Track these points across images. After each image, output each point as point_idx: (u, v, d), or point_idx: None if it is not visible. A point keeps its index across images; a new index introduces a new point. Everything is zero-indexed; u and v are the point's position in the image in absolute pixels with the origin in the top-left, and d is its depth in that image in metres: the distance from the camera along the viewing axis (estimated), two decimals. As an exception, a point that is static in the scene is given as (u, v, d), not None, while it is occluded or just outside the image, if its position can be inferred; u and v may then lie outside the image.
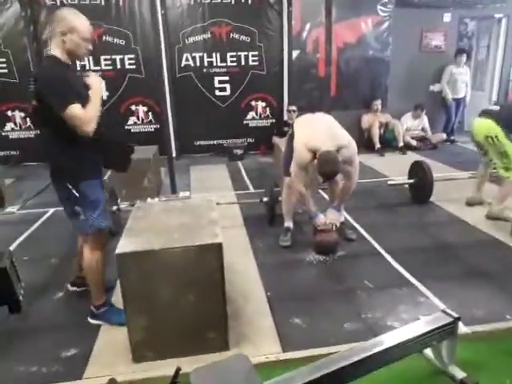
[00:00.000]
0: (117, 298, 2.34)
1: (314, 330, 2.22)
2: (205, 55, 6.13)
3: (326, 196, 4.04)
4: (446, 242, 3.22)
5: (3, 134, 6.10)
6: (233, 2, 5.99)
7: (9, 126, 6.08)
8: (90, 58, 5.79)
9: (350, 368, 1.57)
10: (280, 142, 4.51)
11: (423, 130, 6.55)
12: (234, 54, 6.18)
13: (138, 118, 6.28)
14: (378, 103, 6.40)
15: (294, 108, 6.08)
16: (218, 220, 2.18)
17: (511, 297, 2.45)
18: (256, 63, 6.25)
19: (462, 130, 7.20)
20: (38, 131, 2.30)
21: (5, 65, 5.79)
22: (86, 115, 1.95)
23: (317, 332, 2.20)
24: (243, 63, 6.23)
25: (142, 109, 6.24)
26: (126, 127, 6.25)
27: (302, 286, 2.70)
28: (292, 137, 3.07)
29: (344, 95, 6.50)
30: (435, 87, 6.77)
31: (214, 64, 6.18)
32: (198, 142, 6.53)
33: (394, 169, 5.10)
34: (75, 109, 1.92)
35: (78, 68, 5.62)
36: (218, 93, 6.31)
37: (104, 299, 2.31)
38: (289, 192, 3.21)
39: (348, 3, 6.12)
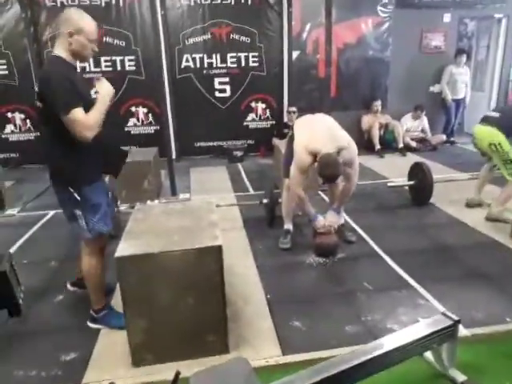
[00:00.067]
0: (116, 301, 2.33)
1: (314, 332, 2.22)
2: (205, 56, 6.13)
3: (325, 198, 4.04)
4: (445, 243, 3.22)
5: (3, 136, 6.10)
6: (233, 3, 5.99)
7: (9, 128, 6.08)
8: (90, 59, 5.79)
9: (350, 371, 1.57)
10: (280, 144, 4.50)
11: (423, 131, 6.54)
12: (234, 54, 6.18)
13: (138, 120, 6.28)
14: (377, 104, 6.40)
15: (294, 109, 6.07)
16: (217, 222, 2.18)
17: (511, 299, 2.44)
18: (256, 64, 6.25)
19: (461, 132, 7.20)
20: (42, 133, 2.26)
21: (5, 66, 5.80)
22: (87, 121, 1.92)
23: (317, 335, 2.20)
24: (243, 64, 6.23)
25: (141, 110, 6.24)
26: (126, 129, 6.25)
27: (301, 288, 2.70)
28: (292, 138, 3.06)
29: (344, 96, 6.50)
30: (435, 88, 6.77)
31: (214, 65, 6.19)
32: (198, 144, 6.53)
33: (394, 170, 5.10)
34: (78, 113, 1.88)
35: (78, 70, 5.62)
36: (217, 94, 6.31)
37: (103, 303, 2.30)
38: (289, 194, 3.21)
39: (348, 4, 6.12)
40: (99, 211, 2.14)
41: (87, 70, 5.80)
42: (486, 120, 3.57)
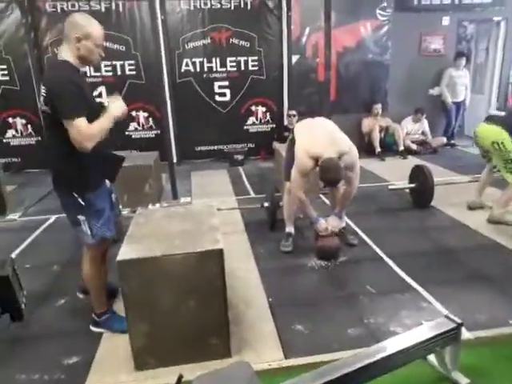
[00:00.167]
0: (119, 305, 2.33)
1: (316, 336, 2.22)
2: (205, 60, 6.15)
3: (326, 201, 4.04)
4: (447, 246, 3.22)
5: (4, 140, 6.11)
6: (232, 8, 6.03)
7: (10, 132, 6.09)
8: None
9: (353, 375, 1.56)
10: (280, 148, 4.51)
11: (423, 133, 6.55)
12: (234, 59, 6.20)
13: (139, 124, 6.29)
14: (378, 107, 6.41)
15: (293, 112, 6.09)
16: (218, 226, 2.18)
17: (514, 301, 2.44)
18: (256, 68, 6.28)
19: (462, 134, 7.21)
20: (45, 137, 2.24)
21: (6, 72, 5.81)
22: (88, 131, 1.89)
23: (319, 338, 2.19)
24: (243, 68, 6.25)
25: (142, 114, 6.26)
26: (127, 133, 6.26)
27: (303, 291, 2.69)
28: (292, 142, 3.07)
29: (344, 99, 6.52)
30: (434, 91, 6.78)
31: (214, 69, 6.21)
32: (199, 148, 6.55)
33: (395, 173, 5.10)
34: (81, 122, 1.87)
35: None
36: (218, 98, 6.33)
37: (106, 307, 2.30)
38: (290, 197, 3.21)
39: (347, 8, 6.14)
40: (102, 216, 2.14)
41: (88, 74, 5.81)
42: (490, 119, 3.59)
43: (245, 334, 2.23)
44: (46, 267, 3.13)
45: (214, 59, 6.17)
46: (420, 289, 2.61)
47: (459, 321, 1.79)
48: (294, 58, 6.27)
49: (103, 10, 5.77)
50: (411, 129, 6.51)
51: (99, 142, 1.98)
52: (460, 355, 1.82)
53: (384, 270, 2.89)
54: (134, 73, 6.04)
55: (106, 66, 5.92)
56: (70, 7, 5.69)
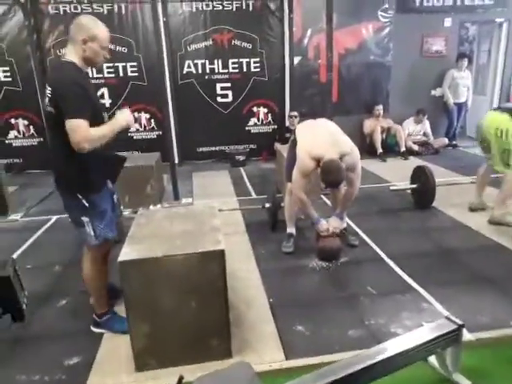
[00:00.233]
0: (121, 306, 2.33)
1: (318, 337, 2.21)
2: (207, 62, 6.17)
3: (328, 202, 4.04)
4: (449, 247, 3.21)
5: (6, 141, 6.14)
6: (234, 9, 6.04)
7: (12, 133, 6.12)
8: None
9: (354, 376, 1.56)
10: (282, 149, 4.51)
11: (425, 134, 6.55)
12: (236, 60, 6.21)
13: (141, 125, 6.31)
14: (379, 108, 6.41)
15: (295, 113, 6.10)
16: (220, 226, 2.18)
17: (516, 303, 2.43)
18: (258, 69, 6.29)
19: (464, 135, 7.21)
20: (49, 138, 2.23)
21: (9, 73, 5.84)
22: (88, 133, 1.89)
23: (320, 339, 2.19)
24: (245, 70, 6.26)
25: (144, 116, 6.27)
26: (129, 134, 6.27)
27: (304, 292, 2.69)
28: (294, 143, 3.07)
29: (346, 101, 6.52)
30: (436, 92, 6.78)
31: (216, 71, 6.22)
32: (201, 149, 6.56)
33: (396, 174, 5.10)
34: (82, 123, 1.87)
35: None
36: (219, 99, 6.34)
37: (106, 308, 2.31)
38: (291, 198, 3.21)
39: (349, 9, 6.15)
40: (106, 217, 2.15)
41: (90, 76, 5.83)
42: (499, 108, 3.63)
43: (246, 335, 2.23)
44: (47, 268, 3.13)
45: (215, 61, 6.18)
46: (421, 290, 2.60)
47: (460, 322, 1.78)
48: (296, 60, 6.28)
49: (105, 12, 5.79)
50: (413, 130, 6.51)
51: (104, 144, 1.98)
52: (461, 357, 1.82)
53: (385, 271, 2.89)
54: (136, 74, 6.05)
55: (108, 67, 5.93)
56: (72, 9, 5.71)
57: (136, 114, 6.22)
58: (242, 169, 6.07)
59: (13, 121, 6.07)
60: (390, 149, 6.33)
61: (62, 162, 2.06)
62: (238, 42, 6.16)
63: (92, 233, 2.12)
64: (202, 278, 1.92)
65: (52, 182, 2.14)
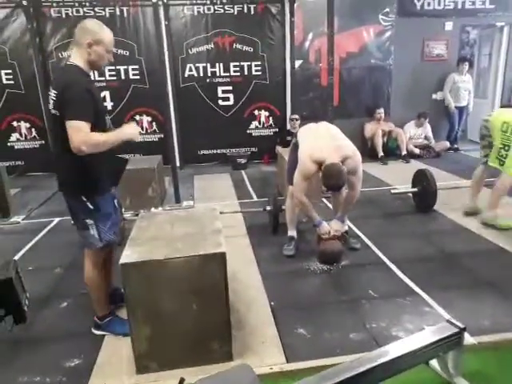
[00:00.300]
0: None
1: (319, 340, 2.21)
2: (208, 65, 6.20)
3: (329, 204, 4.04)
4: (450, 250, 3.20)
5: (9, 144, 6.16)
6: (236, 13, 6.07)
7: (14, 136, 6.15)
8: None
9: (355, 379, 1.56)
10: (283, 152, 4.52)
11: (426, 138, 6.56)
12: (237, 63, 6.24)
13: (142, 128, 6.32)
14: (380, 112, 6.43)
15: (296, 116, 6.11)
16: (221, 229, 2.18)
17: (517, 306, 2.43)
18: (259, 73, 6.31)
19: (465, 139, 7.21)
20: (53, 141, 2.23)
21: (11, 76, 5.87)
22: (88, 136, 1.88)
23: (321, 342, 2.19)
24: (246, 73, 6.29)
25: (146, 119, 6.30)
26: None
27: (305, 295, 2.69)
28: (296, 146, 3.08)
29: (347, 104, 6.54)
30: (437, 95, 6.80)
31: (218, 74, 6.25)
32: (202, 152, 6.58)
33: (398, 177, 5.10)
34: (84, 125, 1.87)
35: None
36: (221, 102, 6.36)
37: (108, 310, 2.31)
38: (292, 201, 3.21)
39: (350, 13, 6.18)
40: (110, 220, 2.16)
41: (92, 78, 5.85)
42: (509, 106, 3.59)
43: (247, 338, 2.23)
44: (48, 270, 3.14)
45: (217, 64, 6.21)
46: (422, 293, 2.60)
47: (462, 325, 1.78)
48: (297, 63, 6.30)
49: (108, 15, 5.83)
50: (414, 133, 6.52)
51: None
52: (463, 360, 1.81)
53: (386, 275, 2.89)
54: (137, 77, 6.08)
55: (110, 70, 5.96)
56: (74, 13, 5.74)
57: (138, 117, 6.25)
58: (243, 172, 6.07)
59: (15, 123, 6.09)
60: (391, 152, 6.34)
61: (66, 164, 2.06)
62: (239, 46, 6.18)
63: (96, 235, 2.13)
64: (203, 280, 1.92)
65: (54, 185, 2.15)
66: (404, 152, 6.23)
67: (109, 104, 6.01)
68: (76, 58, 2.02)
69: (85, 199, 2.06)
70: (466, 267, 2.93)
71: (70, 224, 3.52)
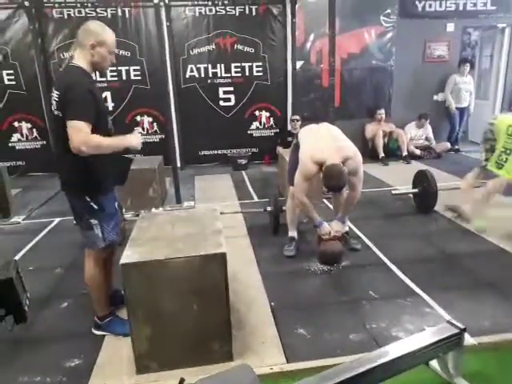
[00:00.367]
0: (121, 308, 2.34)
1: (319, 340, 2.21)
2: (209, 66, 6.20)
3: (330, 205, 4.04)
4: (451, 251, 3.20)
5: (10, 144, 6.17)
6: (237, 14, 6.08)
7: (15, 136, 6.15)
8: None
9: (356, 379, 1.56)
10: (284, 152, 4.52)
11: (427, 139, 6.56)
12: (239, 64, 6.25)
13: (143, 129, 6.33)
14: (381, 112, 6.43)
15: (296, 117, 6.11)
16: (222, 230, 2.19)
17: (518, 307, 2.43)
18: (260, 74, 6.32)
19: (466, 140, 7.20)
20: (55, 141, 2.23)
21: (13, 77, 5.88)
22: (88, 137, 1.88)
23: (321, 342, 2.19)
24: (247, 74, 6.29)
25: (147, 119, 6.31)
26: (132, 137, 6.29)
27: (306, 295, 2.69)
28: (297, 147, 3.08)
29: (348, 105, 6.54)
30: (439, 97, 6.80)
31: (219, 75, 6.26)
32: (203, 152, 6.58)
33: (398, 178, 5.10)
34: (85, 126, 1.88)
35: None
36: (222, 103, 6.37)
37: (108, 310, 2.31)
38: (293, 201, 3.21)
39: (351, 14, 6.18)
40: (113, 220, 2.17)
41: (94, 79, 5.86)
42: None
43: (247, 339, 2.23)
44: (49, 270, 3.14)
45: (218, 65, 6.22)
46: (423, 294, 2.60)
47: (462, 326, 1.78)
48: (299, 64, 6.30)
49: (109, 16, 5.83)
50: (415, 134, 6.52)
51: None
52: (463, 361, 1.81)
53: (387, 275, 2.88)
54: (139, 78, 6.09)
55: (111, 71, 5.96)
56: (76, 14, 5.75)
57: (139, 118, 6.26)
58: (243, 172, 6.08)
59: (16, 124, 6.10)
60: (392, 153, 6.34)
61: (68, 165, 2.07)
62: (240, 47, 6.19)
63: (100, 235, 2.14)
64: (204, 280, 1.93)
65: (54, 185, 2.16)
66: (405, 153, 6.23)
67: (110, 104, 6.02)
68: (79, 59, 2.04)
69: (89, 199, 2.08)
70: (466, 268, 2.93)
71: (71, 224, 3.53)
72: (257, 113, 6.51)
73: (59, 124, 1.98)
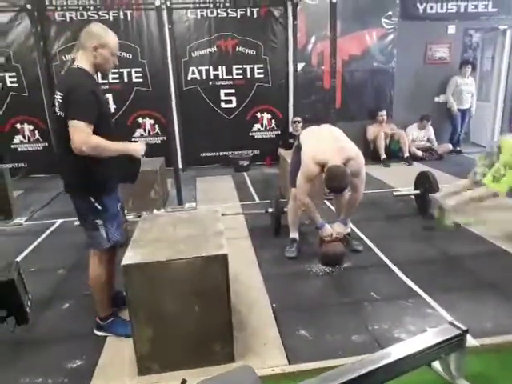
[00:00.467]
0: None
1: (321, 341, 2.21)
2: (211, 68, 6.21)
3: (332, 207, 4.04)
4: (452, 252, 3.20)
5: (12, 146, 6.18)
6: (238, 16, 6.09)
7: (18, 138, 6.17)
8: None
9: (358, 381, 1.55)
10: (286, 154, 4.53)
11: (429, 140, 6.55)
12: (240, 66, 6.26)
13: (145, 131, 6.35)
14: (383, 114, 6.42)
15: (298, 119, 6.11)
16: (223, 231, 2.19)
17: (520, 309, 2.42)
18: (261, 76, 6.32)
19: (467, 141, 7.20)
20: (58, 143, 2.24)
21: (15, 79, 5.90)
22: (89, 137, 1.90)
23: (323, 344, 2.18)
24: (249, 76, 6.30)
25: (148, 121, 6.32)
26: (133, 139, 6.30)
27: (307, 297, 2.68)
28: (298, 148, 3.09)
29: (349, 107, 6.55)
30: (440, 98, 6.80)
31: (220, 77, 6.27)
32: (204, 154, 6.59)
33: (400, 179, 5.09)
34: (86, 126, 1.89)
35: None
36: (223, 105, 6.38)
37: (110, 311, 2.31)
38: (295, 203, 3.21)
39: (353, 16, 6.18)
40: (116, 220, 2.18)
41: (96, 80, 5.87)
42: None
43: (248, 340, 2.23)
44: (51, 271, 3.14)
45: (220, 67, 6.23)
46: (425, 295, 2.59)
47: (464, 327, 1.78)
48: (300, 66, 6.31)
49: (111, 19, 5.85)
50: (417, 136, 6.51)
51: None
52: (465, 362, 1.81)
53: (389, 277, 2.88)
54: (140, 80, 6.10)
55: (113, 73, 5.97)
56: (78, 16, 5.77)
57: (140, 120, 6.27)
58: (245, 174, 6.08)
59: (18, 126, 6.12)
60: (394, 154, 6.33)
61: (70, 165, 2.08)
62: (242, 49, 6.20)
63: (105, 235, 2.15)
64: (205, 282, 1.93)
65: (56, 186, 2.17)
66: (406, 154, 6.22)
67: (112, 107, 6.03)
68: (82, 61, 2.06)
69: (93, 200, 2.09)
70: (468, 269, 2.93)
71: (73, 225, 3.55)
72: (258, 115, 6.51)
73: (61, 124, 1.99)
